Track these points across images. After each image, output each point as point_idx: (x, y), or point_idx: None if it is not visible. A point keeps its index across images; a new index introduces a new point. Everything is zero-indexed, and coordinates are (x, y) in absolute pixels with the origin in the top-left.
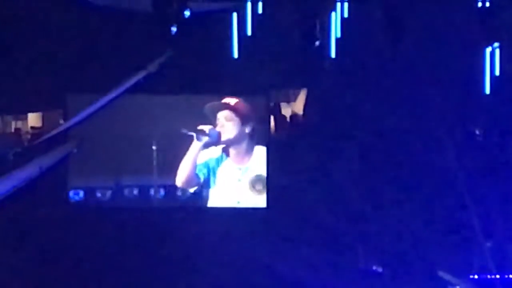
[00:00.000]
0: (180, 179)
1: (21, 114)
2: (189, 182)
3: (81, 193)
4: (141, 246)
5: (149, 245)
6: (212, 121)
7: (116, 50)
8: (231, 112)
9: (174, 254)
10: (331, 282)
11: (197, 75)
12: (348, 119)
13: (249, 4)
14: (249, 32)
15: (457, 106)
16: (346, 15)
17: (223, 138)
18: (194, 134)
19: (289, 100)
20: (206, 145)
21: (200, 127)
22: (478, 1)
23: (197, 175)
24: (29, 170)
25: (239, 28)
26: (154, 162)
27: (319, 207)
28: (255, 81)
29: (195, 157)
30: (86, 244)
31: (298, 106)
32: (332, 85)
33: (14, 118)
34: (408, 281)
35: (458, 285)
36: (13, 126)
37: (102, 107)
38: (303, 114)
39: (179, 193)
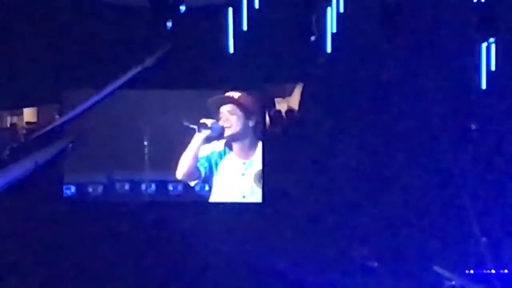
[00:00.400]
0: (180, 172)
1: (17, 109)
2: (189, 175)
3: (73, 188)
4: (132, 240)
5: (140, 239)
6: (215, 115)
7: (112, 45)
8: (235, 106)
9: (166, 248)
10: (326, 276)
11: (193, 69)
12: (344, 113)
13: None
14: (245, 27)
15: (453, 101)
16: (342, 10)
17: (227, 133)
18: (196, 127)
19: (285, 94)
20: (208, 139)
21: (203, 120)
22: None
23: (198, 169)
24: (25, 165)
25: (235, 23)
26: (146, 157)
27: (314, 203)
28: (251, 76)
29: (197, 150)
30: (78, 238)
31: (293, 100)
32: (328, 80)
33: (10, 114)
34: (404, 276)
35: (453, 280)
36: (8, 121)
37: (98, 102)
38: (299, 109)
39: (170, 187)
